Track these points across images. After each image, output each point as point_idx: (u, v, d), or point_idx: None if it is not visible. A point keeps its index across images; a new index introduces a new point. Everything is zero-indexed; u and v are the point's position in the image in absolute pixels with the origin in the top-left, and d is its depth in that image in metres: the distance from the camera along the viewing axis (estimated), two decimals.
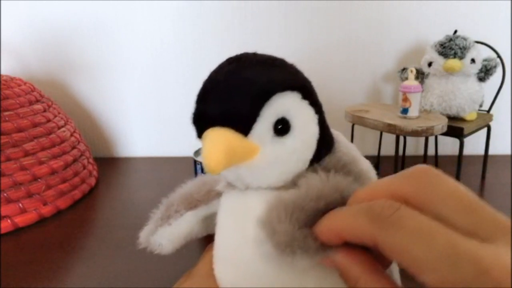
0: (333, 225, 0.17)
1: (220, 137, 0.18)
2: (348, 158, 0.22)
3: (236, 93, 0.19)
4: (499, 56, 0.62)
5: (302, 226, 0.18)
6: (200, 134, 0.20)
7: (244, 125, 0.19)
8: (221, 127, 0.19)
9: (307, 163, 0.21)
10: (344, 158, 0.21)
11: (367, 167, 0.23)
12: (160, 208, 0.26)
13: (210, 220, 0.26)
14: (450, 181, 0.16)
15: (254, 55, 0.21)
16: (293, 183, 0.21)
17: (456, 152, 0.59)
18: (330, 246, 0.17)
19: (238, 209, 0.22)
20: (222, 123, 0.19)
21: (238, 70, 0.19)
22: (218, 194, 0.25)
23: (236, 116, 0.19)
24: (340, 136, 0.24)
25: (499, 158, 0.72)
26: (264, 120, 0.19)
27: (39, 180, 0.54)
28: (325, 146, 0.22)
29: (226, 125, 0.19)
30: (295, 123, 0.20)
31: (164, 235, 0.25)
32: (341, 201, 0.18)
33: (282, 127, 0.20)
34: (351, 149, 0.23)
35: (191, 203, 0.26)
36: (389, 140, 0.72)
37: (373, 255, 0.17)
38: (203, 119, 0.19)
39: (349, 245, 0.17)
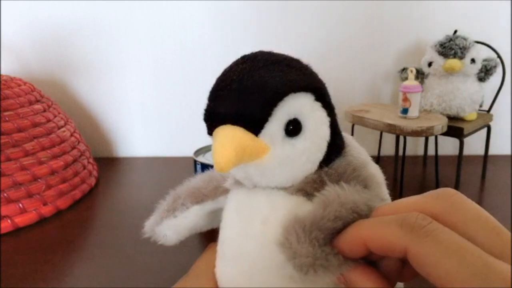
0: (359, 233, 0.17)
1: (231, 135, 0.18)
2: (358, 162, 0.21)
3: (250, 92, 0.19)
4: (499, 56, 0.62)
5: (322, 245, 0.18)
6: (210, 131, 0.20)
7: (255, 124, 0.19)
8: (232, 125, 0.19)
9: (316, 165, 0.21)
10: (354, 162, 0.21)
11: (376, 171, 0.23)
12: (167, 199, 0.26)
13: (215, 215, 0.26)
14: (475, 204, 0.16)
15: (270, 54, 0.21)
16: (302, 184, 0.21)
17: (456, 152, 0.59)
18: (350, 259, 0.18)
19: (245, 207, 0.22)
20: (233, 121, 0.19)
21: (252, 68, 0.19)
22: (225, 191, 0.25)
23: (248, 114, 0.19)
24: (351, 140, 0.24)
25: (499, 158, 0.72)
26: (276, 120, 0.19)
27: (39, 180, 0.54)
28: (335, 149, 0.22)
29: (238, 123, 0.19)
30: (306, 124, 0.20)
31: (169, 226, 0.25)
32: (358, 219, 0.18)
33: (293, 128, 0.20)
34: (361, 153, 0.23)
35: (198, 198, 0.26)
36: (389, 140, 0.72)
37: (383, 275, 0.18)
38: (215, 117, 0.19)
39: (361, 264, 0.18)
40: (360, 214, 0.18)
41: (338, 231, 0.18)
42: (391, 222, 0.16)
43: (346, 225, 0.18)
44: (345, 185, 0.19)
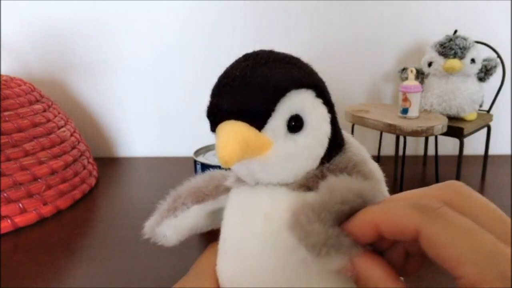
0: (371, 216, 0.17)
1: (234, 130, 0.19)
2: (358, 159, 0.22)
3: (253, 87, 0.19)
4: (499, 56, 0.62)
5: (332, 226, 0.18)
6: (214, 127, 0.20)
7: (259, 120, 0.19)
8: (236, 120, 0.19)
9: (318, 161, 0.21)
10: (354, 158, 0.22)
11: (376, 168, 0.23)
12: (167, 199, 0.26)
13: (216, 215, 0.26)
14: (481, 195, 0.17)
15: (271, 52, 0.21)
16: (304, 180, 0.21)
17: (456, 152, 0.59)
18: (361, 243, 0.18)
19: (247, 204, 0.22)
20: (237, 117, 0.19)
21: (255, 65, 0.20)
22: (226, 190, 0.25)
23: (252, 110, 0.19)
24: (350, 138, 0.24)
25: (499, 158, 0.72)
26: (279, 116, 0.19)
27: (39, 180, 0.54)
28: (336, 146, 0.22)
29: (241, 119, 0.19)
30: (308, 120, 0.20)
31: (170, 226, 0.25)
32: (364, 206, 0.18)
33: (295, 124, 0.20)
34: (361, 150, 0.23)
35: (199, 197, 0.26)
36: (389, 140, 0.72)
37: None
38: (218, 112, 0.19)
39: (369, 251, 0.18)
40: (366, 200, 0.18)
41: (346, 216, 0.18)
42: (403, 205, 0.16)
43: (352, 211, 0.18)
44: (348, 176, 0.20)
